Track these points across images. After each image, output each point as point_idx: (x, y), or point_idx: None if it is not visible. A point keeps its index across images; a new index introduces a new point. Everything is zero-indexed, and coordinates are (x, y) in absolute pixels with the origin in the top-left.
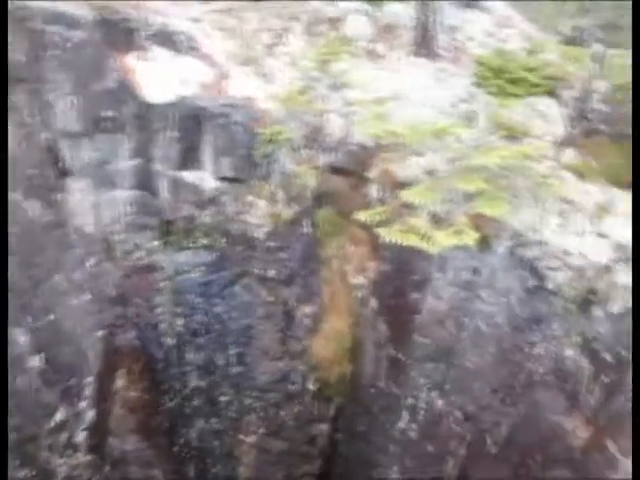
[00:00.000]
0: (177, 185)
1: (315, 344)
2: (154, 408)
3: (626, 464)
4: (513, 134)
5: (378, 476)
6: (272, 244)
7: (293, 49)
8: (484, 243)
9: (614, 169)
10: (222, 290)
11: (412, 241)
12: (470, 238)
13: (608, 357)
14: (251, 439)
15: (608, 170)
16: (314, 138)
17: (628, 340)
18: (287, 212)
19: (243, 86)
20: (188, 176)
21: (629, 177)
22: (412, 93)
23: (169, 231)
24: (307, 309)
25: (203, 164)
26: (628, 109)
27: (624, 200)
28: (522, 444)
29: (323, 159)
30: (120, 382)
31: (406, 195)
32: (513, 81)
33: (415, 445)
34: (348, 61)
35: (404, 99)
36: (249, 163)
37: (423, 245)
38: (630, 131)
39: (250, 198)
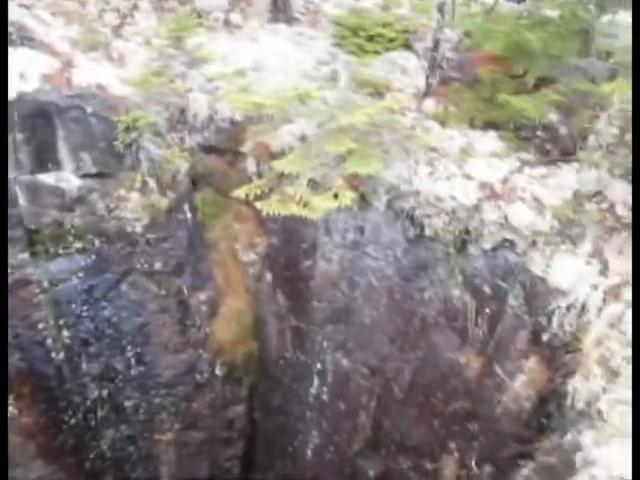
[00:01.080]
0: (36, 190)
1: (216, 329)
2: (55, 428)
3: (511, 385)
4: (376, 90)
5: (300, 443)
6: (153, 236)
7: (143, 28)
8: (363, 201)
9: (471, 113)
10: (107, 293)
11: (292, 210)
12: (347, 199)
13: (487, 290)
14: (167, 437)
15: (466, 115)
16: (179, 120)
17: (502, 271)
18: (163, 201)
19: (93, 73)
20: (46, 178)
21: (483, 118)
22: (273, 61)
23: (35, 240)
24: (202, 295)
25: (61, 163)
26: (476, 54)
27: (481, 141)
28: (424, 385)
29: (192, 140)
30: (11, 409)
31: (279, 165)
32: (370, 38)
33: (329, 407)
34: (204, 35)
35: (266, 68)
36: (112, 155)
37: (303, 213)
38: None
39: (121, 192)
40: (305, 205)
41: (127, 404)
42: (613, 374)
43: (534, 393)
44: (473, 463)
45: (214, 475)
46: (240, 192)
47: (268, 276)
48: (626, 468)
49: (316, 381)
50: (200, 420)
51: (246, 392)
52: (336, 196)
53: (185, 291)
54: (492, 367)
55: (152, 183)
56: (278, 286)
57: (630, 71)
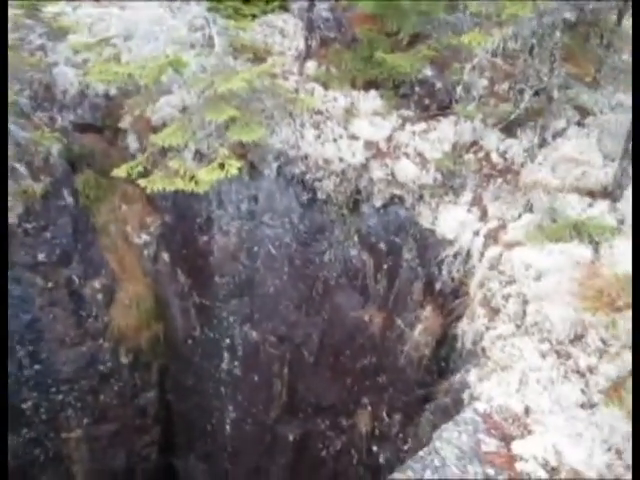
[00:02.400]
0: None
1: (115, 316)
2: None
3: (411, 335)
4: (256, 55)
5: (217, 421)
6: (30, 225)
7: None
8: (254, 170)
9: (351, 73)
10: None
11: (177, 185)
12: (234, 168)
13: (383, 246)
14: (76, 434)
15: (347, 75)
16: (45, 97)
17: (395, 227)
18: (38, 186)
19: None
20: None
21: (364, 78)
22: (144, 28)
23: None
24: (96, 283)
25: None
26: (353, 13)
27: (363, 101)
28: (333, 346)
29: (64, 119)
30: None
31: (159, 139)
32: (247, 0)
33: (242, 380)
34: (64, 3)
35: (137, 36)
36: None
37: (189, 187)
38: None
39: None
40: (191, 179)
41: (25, 406)
42: (494, 312)
43: (431, 339)
44: (384, 414)
45: (132, 464)
46: (120, 171)
47: (165, 256)
48: (504, 399)
49: (227, 356)
50: (110, 411)
51: (156, 376)
52: (222, 166)
53: (76, 281)
54: (393, 320)
55: (21, 168)
56: (177, 265)
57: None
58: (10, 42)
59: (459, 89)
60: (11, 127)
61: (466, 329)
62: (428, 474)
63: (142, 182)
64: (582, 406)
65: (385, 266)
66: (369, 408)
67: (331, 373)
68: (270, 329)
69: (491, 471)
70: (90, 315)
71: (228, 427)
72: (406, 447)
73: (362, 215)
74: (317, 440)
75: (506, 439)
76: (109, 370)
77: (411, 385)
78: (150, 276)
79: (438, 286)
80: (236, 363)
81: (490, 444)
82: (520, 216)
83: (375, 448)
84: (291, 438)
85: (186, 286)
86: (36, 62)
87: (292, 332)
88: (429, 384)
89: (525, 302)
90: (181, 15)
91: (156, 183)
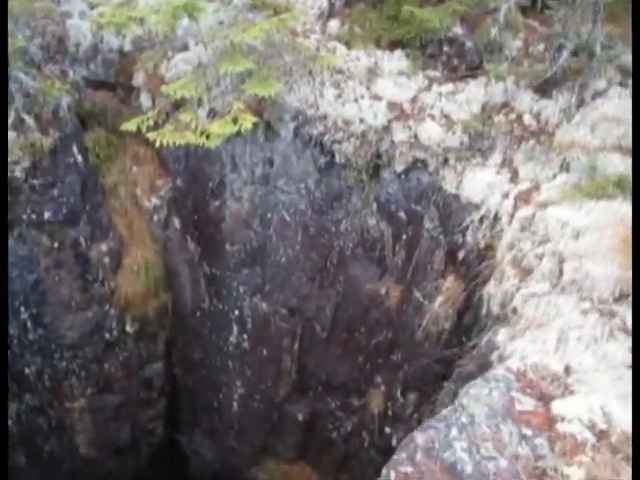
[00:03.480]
0: None
1: (122, 282)
2: None
3: (430, 308)
4: (277, 12)
5: (224, 396)
6: (37, 181)
7: None
8: (269, 131)
9: (376, 33)
10: None
11: (188, 139)
12: (248, 122)
13: (403, 215)
14: (79, 403)
15: (371, 35)
16: (58, 49)
17: (416, 194)
18: (46, 140)
19: None
20: None
21: (389, 38)
22: None
23: None
24: (103, 246)
25: None
26: None
27: (386, 60)
28: (347, 320)
29: (76, 74)
30: None
31: (170, 90)
32: None
33: (251, 354)
34: None
35: None
36: None
37: (200, 141)
38: None
39: None
40: (202, 133)
41: (28, 371)
42: (525, 272)
43: (452, 311)
44: (399, 393)
45: (136, 438)
46: (130, 125)
47: (175, 222)
48: (540, 356)
49: (235, 329)
50: (114, 382)
51: (163, 348)
52: (236, 121)
53: (83, 242)
54: (411, 293)
55: (30, 120)
56: (187, 232)
57: None
58: None
59: (493, 50)
60: (20, 75)
61: (493, 292)
62: (454, 433)
63: (151, 135)
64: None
65: (404, 236)
66: (382, 387)
67: (343, 349)
68: (281, 301)
69: (528, 431)
70: (96, 279)
71: (235, 403)
72: None
73: (382, 181)
74: (327, 420)
75: (544, 398)
76: (114, 338)
77: (428, 362)
78: (159, 242)
79: (461, 254)
80: (245, 336)
81: (525, 403)
82: (555, 176)
83: (388, 429)
84: (300, 417)
85: (196, 254)
86: (48, 9)
87: (304, 305)
88: (449, 360)
89: (561, 260)
90: None
91: (166, 136)
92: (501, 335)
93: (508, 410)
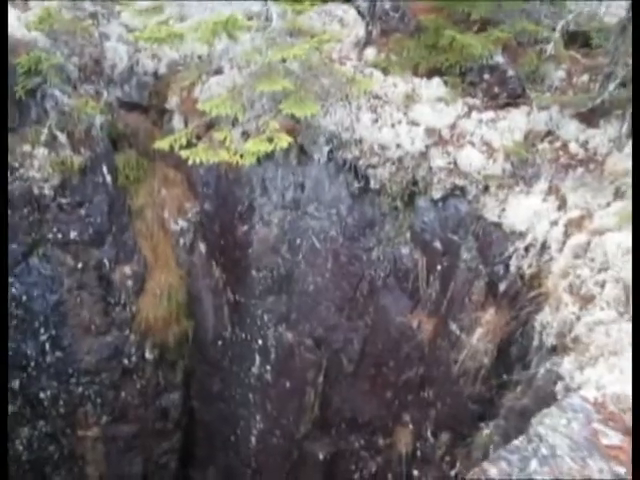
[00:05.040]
0: None
1: (144, 306)
2: None
3: (467, 341)
4: (312, 38)
5: (242, 431)
6: (65, 200)
7: None
8: (303, 154)
9: (414, 61)
10: (13, 268)
11: (221, 157)
12: (283, 142)
13: (438, 245)
14: (93, 432)
15: (407, 63)
16: (95, 70)
17: (453, 223)
18: (77, 159)
19: None
20: None
21: (427, 66)
22: (200, 14)
23: None
24: (127, 269)
25: None
26: (415, 5)
27: (424, 87)
28: (375, 354)
29: (110, 95)
30: None
31: (205, 106)
32: None
33: (273, 387)
34: None
35: (190, 16)
36: (13, 104)
37: (234, 159)
38: None
39: (25, 148)
40: (236, 152)
41: (43, 396)
42: (585, 300)
43: (492, 346)
44: (429, 433)
45: (149, 472)
46: (163, 143)
47: (201, 246)
48: (620, 387)
49: (258, 360)
50: (130, 411)
51: (181, 377)
52: (270, 140)
53: (106, 264)
54: (446, 326)
55: (62, 138)
56: (213, 257)
57: None
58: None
59: (536, 79)
60: (56, 93)
61: (548, 321)
62: (534, 466)
63: (184, 153)
64: None
65: (439, 267)
66: (410, 426)
67: (370, 385)
68: (307, 331)
69: (620, 469)
70: (118, 303)
71: (253, 439)
72: (453, 472)
73: (417, 209)
74: (350, 460)
75: (629, 433)
76: (133, 365)
77: (463, 400)
78: (184, 267)
79: (503, 286)
80: (267, 367)
81: (611, 437)
82: (609, 204)
83: (416, 472)
84: (321, 457)
85: (221, 281)
86: (87, 30)
87: (331, 336)
88: (488, 399)
89: (626, 287)
90: (238, 3)
91: (199, 154)
92: (566, 365)
93: (593, 444)
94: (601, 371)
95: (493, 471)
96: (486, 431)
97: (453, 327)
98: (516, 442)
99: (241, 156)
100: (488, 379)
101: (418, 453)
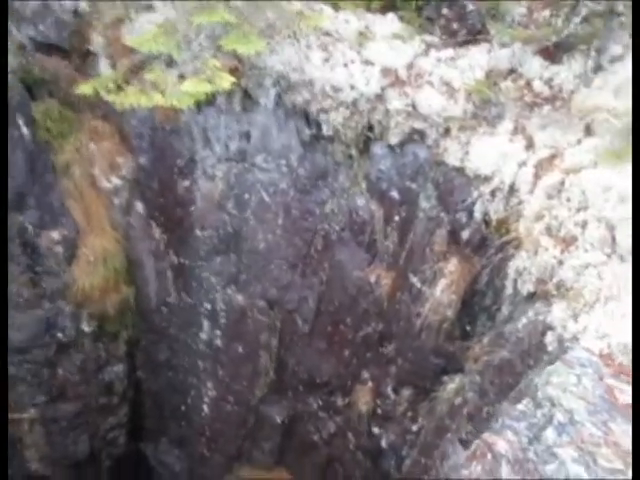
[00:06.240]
0: None
1: (78, 275)
2: None
3: (428, 293)
4: None
5: (194, 400)
6: None
7: None
8: (247, 100)
9: None
10: None
11: (155, 100)
12: (226, 82)
13: (395, 194)
14: (30, 414)
15: None
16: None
17: (412, 170)
18: None
19: None
20: None
21: (381, 2)
22: None
23: None
24: (54, 234)
25: None
26: None
27: (378, 23)
28: (331, 312)
29: (22, 33)
30: None
31: (134, 43)
32: None
33: (224, 353)
34: None
35: None
36: None
37: (170, 102)
38: None
39: None
40: (171, 93)
41: None
42: (566, 242)
43: (456, 298)
44: (390, 389)
45: (96, 449)
46: (87, 88)
47: (139, 206)
48: (625, 335)
49: (206, 325)
50: (69, 388)
51: (124, 349)
52: (211, 81)
53: (30, 229)
54: (407, 279)
55: None
56: (152, 217)
57: None
58: None
59: (496, 14)
60: None
61: (525, 266)
62: (551, 436)
63: (112, 98)
64: None
65: (397, 218)
66: (370, 383)
67: (327, 344)
68: (259, 292)
69: None
70: (48, 272)
71: (206, 407)
72: (415, 427)
73: (373, 157)
74: (308, 422)
75: None
76: (69, 339)
77: (426, 354)
78: (120, 230)
79: (466, 234)
80: (217, 332)
81: (628, 393)
82: (580, 142)
83: (376, 429)
84: (278, 420)
85: (162, 242)
86: None
87: (284, 296)
88: (451, 353)
89: (610, 227)
90: None
91: (129, 98)
92: (556, 313)
93: (611, 404)
94: (599, 318)
95: (501, 444)
96: (451, 385)
97: (414, 280)
98: (520, 407)
99: (178, 100)
100: (452, 332)
101: (379, 410)
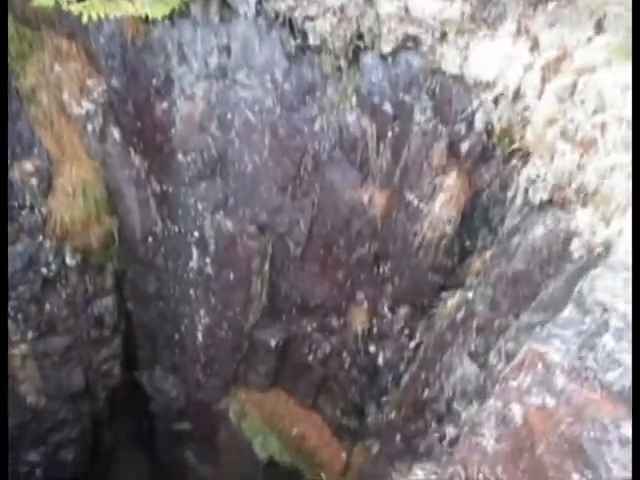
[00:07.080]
0: None
1: (56, 207)
2: None
3: (428, 210)
4: None
5: (187, 328)
6: None
7: None
8: (225, 9)
9: None
10: None
11: (124, 9)
12: None
13: (388, 108)
14: (20, 349)
15: None
16: None
17: (405, 81)
18: None
19: None
20: None
21: None
22: None
23: None
24: (27, 165)
25: None
26: None
27: None
28: (323, 235)
29: None
30: None
31: None
32: None
33: (215, 280)
34: None
35: None
36: None
37: (143, 11)
38: None
39: None
40: (143, 5)
41: None
42: (585, 146)
43: (456, 213)
44: (386, 309)
45: (90, 381)
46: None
47: (114, 132)
48: None
49: (195, 253)
50: (59, 323)
51: (112, 281)
52: None
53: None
54: (402, 197)
55: None
56: (130, 143)
57: None
58: None
59: None
60: None
61: (539, 174)
62: (609, 342)
63: (75, 9)
64: None
65: (390, 133)
66: (365, 304)
67: (320, 267)
68: (248, 217)
69: None
70: (23, 206)
71: (199, 335)
72: (413, 344)
73: (363, 68)
74: (302, 344)
75: None
76: (53, 273)
77: (423, 272)
78: (97, 158)
79: (465, 146)
80: (207, 260)
81: None
82: (590, 40)
83: (372, 348)
84: (273, 344)
85: (142, 169)
86: None
87: (275, 220)
88: (450, 269)
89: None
90: None
91: (95, 8)
92: (582, 218)
93: None
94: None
95: (553, 355)
96: (451, 301)
97: (410, 197)
98: (564, 314)
99: (151, 9)
100: (451, 248)
101: (375, 330)
